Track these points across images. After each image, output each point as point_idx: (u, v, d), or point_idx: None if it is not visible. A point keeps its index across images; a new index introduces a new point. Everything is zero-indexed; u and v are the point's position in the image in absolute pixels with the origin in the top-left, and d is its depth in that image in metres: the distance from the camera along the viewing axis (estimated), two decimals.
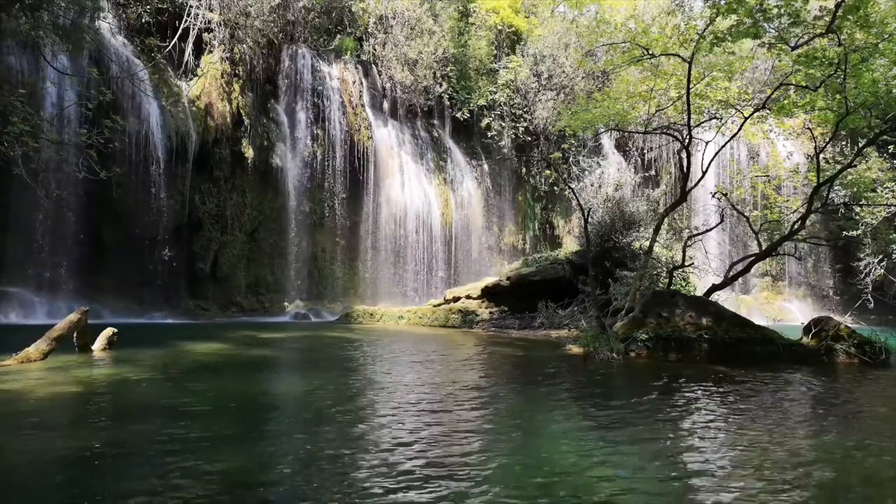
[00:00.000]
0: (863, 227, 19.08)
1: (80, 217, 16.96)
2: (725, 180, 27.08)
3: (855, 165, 14.10)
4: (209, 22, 20.12)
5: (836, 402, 6.88)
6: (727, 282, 12.66)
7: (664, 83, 13.90)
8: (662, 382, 7.74)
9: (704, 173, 13.40)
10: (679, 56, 12.50)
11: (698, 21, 13.00)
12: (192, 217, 19.44)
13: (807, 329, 10.61)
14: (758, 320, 12.91)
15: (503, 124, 26.71)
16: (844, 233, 19.69)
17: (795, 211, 17.33)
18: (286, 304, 21.08)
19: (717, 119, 14.00)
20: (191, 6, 19.66)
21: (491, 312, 17.56)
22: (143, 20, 18.89)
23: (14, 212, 15.80)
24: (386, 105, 24.97)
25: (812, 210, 12.47)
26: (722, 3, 10.54)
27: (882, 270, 20.55)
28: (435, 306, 18.81)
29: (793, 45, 10.98)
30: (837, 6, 9.96)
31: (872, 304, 20.80)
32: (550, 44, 27.06)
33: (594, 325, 11.43)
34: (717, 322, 10.31)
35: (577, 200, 14.06)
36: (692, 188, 14.42)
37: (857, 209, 18.28)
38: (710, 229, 14.78)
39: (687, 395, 6.88)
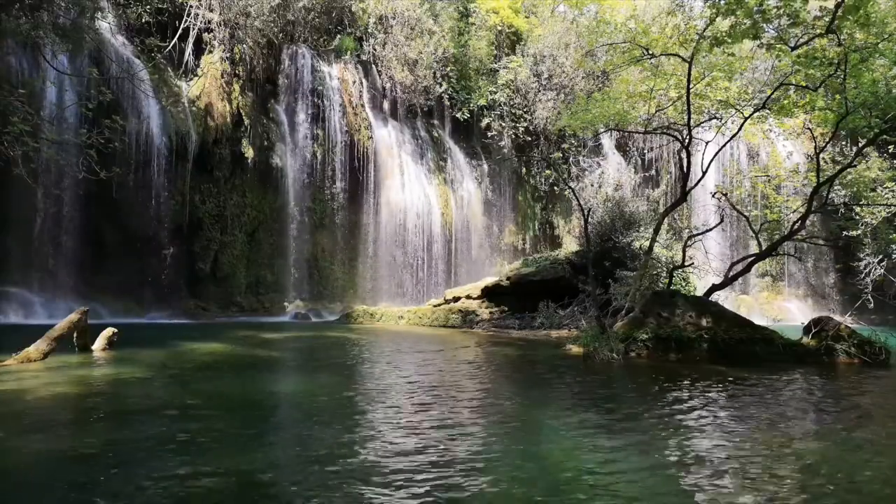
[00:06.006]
0: (863, 227, 19.07)
1: (80, 217, 16.95)
2: (725, 180, 27.07)
3: (855, 165, 14.09)
4: (209, 22, 20.12)
5: (836, 401, 6.88)
6: (727, 282, 12.66)
7: (664, 83, 13.88)
8: (662, 382, 7.74)
9: (704, 173, 13.40)
10: (679, 56, 12.50)
11: (698, 21, 12.98)
12: (192, 217, 19.43)
13: (807, 329, 10.60)
14: (758, 320, 12.92)
15: (503, 124, 26.71)
16: (844, 233, 19.68)
17: (795, 211, 17.32)
18: (286, 303, 21.08)
19: (717, 119, 13.99)
20: (191, 6, 19.66)
21: (491, 312, 17.56)
22: (143, 20, 18.88)
23: (14, 212, 15.80)
24: (386, 105, 24.96)
25: (812, 210, 12.47)
26: (722, 3, 10.54)
27: (882, 270, 20.53)
28: (435, 306, 18.81)
29: (792, 45, 10.97)
30: (837, 6, 9.95)
31: (872, 304, 20.79)
32: (550, 44, 27.06)
33: (594, 325, 11.43)
34: (717, 322, 10.30)
35: (577, 200, 14.05)
36: (692, 188, 14.42)
37: (857, 209, 18.27)
38: (710, 229, 14.79)
39: (687, 395, 6.88)
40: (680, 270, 14.68)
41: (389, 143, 24.23)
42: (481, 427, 5.12)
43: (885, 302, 20.77)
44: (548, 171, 26.82)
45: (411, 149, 25.02)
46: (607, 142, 28.98)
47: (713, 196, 17.06)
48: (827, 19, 10.22)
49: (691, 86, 12.08)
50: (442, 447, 4.42)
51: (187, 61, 20.10)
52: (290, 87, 22.42)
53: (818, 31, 10.57)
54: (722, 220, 14.93)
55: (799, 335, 10.50)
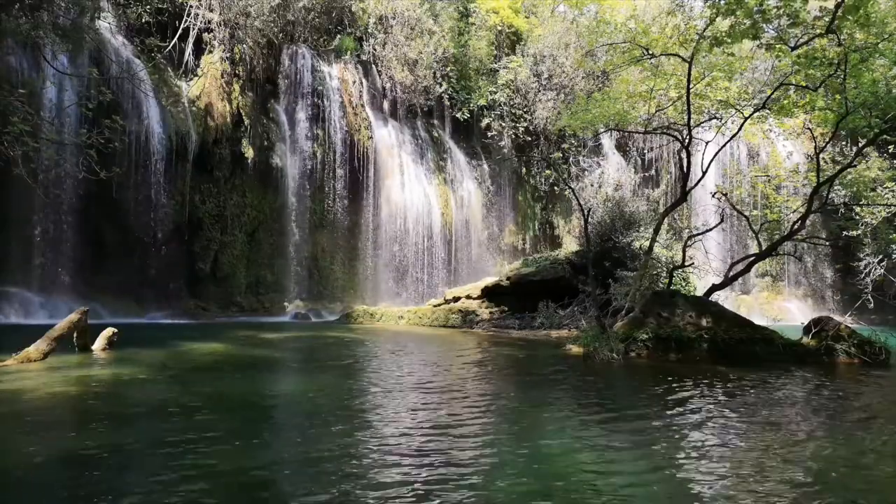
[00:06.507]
0: (863, 227, 19.08)
1: (79, 217, 16.95)
2: (725, 180, 27.07)
3: (855, 165, 14.09)
4: (209, 22, 20.11)
5: (837, 402, 6.88)
6: (727, 282, 12.66)
7: (664, 83, 13.88)
8: (662, 383, 7.74)
9: (704, 173, 13.40)
10: (679, 56, 12.50)
11: (698, 21, 12.98)
12: (192, 217, 19.42)
13: (807, 329, 10.61)
14: (758, 320, 12.92)
15: (503, 124, 26.71)
16: (844, 233, 19.69)
17: (795, 211, 17.32)
18: (286, 303, 21.08)
19: (717, 119, 13.99)
20: (191, 6, 19.66)
21: (491, 312, 17.56)
22: (143, 20, 18.88)
23: (14, 212, 15.79)
24: (386, 105, 24.96)
25: (812, 210, 12.48)
26: (722, 3, 10.53)
27: (882, 270, 20.53)
28: (435, 306, 18.81)
29: (792, 45, 10.97)
30: (837, 6, 9.95)
31: (872, 304, 20.79)
32: (550, 44, 27.06)
33: (594, 325, 11.43)
34: (717, 322, 10.31)
35: (577, 200, 14.06)
36: (692, 188, 14.42)
37: (857, 209, 18.27)
38: (710, 229, 14.79)
39: (687, 395, 6.88)
40: (680, 270, 14.68)
41: (389, 143, 24.23)
42: (482, 427, 5.11)
43: (885, 302, 20.77)
44: (548, 171, 26.81)
45: (411, 149, 25.02)
46: (607, 142, 28.97)
47: (713, 196, 17.07)
48: (827, 19, 10.22)
49: (691, 86, 12.08)
50: (442, 448, 4.42)
51: (187, 61, 20.10)
52: (290, 87, 22.41)
53: (818, 31, 10.57)
54: (722, 220, 14.93)
55: (799, 335, 10.51)
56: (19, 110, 12.05)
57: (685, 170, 13.64)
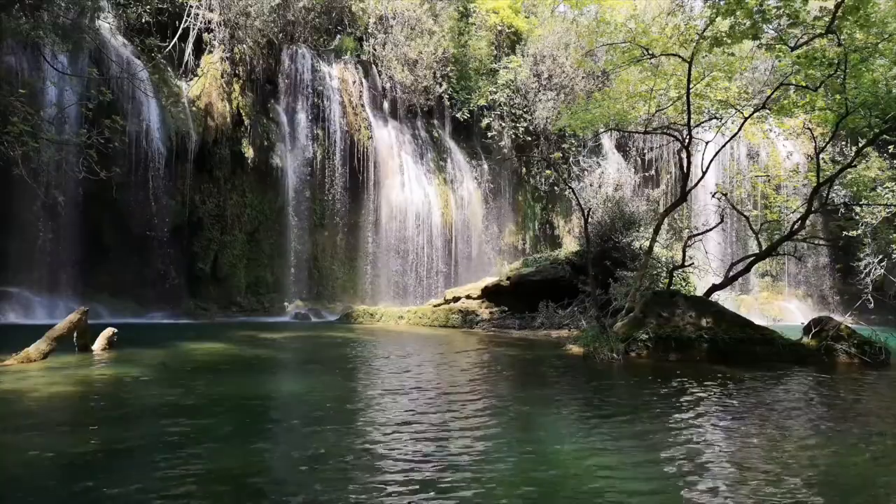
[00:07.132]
0: (863, 227, 19.08)
1: (79, 217, 16.94)
2: (725, 180, 27.05)
3: (855, 165, 14.08)
4: (209, 22, 20.11)
5: (836, 401, 6.88)
6: (727, 282, 12.66)
7: (664, 83, 13.87)
8: (662, 383, 7.74)
9: (704, 173, 13.40)
10: (679, 56, 12.49)
11: (698, 21, 12.98)
12: (192, 217, 19.42)
13: (807, 329, 10.61)
14: (758, 320, 12.92)
15: (503, 124, 26.69)
16: (844, 233, 19.68)
17: (795, 211, 17.31)
18: (286, 304, 21.07)
19: (717, 119, 13.99)
20: (191, 6, 19.65)
21: (491, 312, 17.56)
22: (143, 20, 18.87)
23: (14, 212, 15.79)
24: (386, 105, 24.96)
25: (812, 210, 12.48)
26: (722, 3, 10.53)
27: (882, 270, 20.53)
28: (435, 306, 18.80)
29: (792, 45, 10.97)
30: (837, 6, 9.95)
31: (872, 304, 20.78)
32: (550, 44, 27.03)
33: (594, 325, 11.43)
34: (717, 322, 10.31)
35: (577, 200, 14.05)
36: (692, 188, 14.42)
37: (857, 209, 18.27)
38: (710, 229, 14.79)
39: (687, 395, 6.88)
40: (680, 270, 14.68)
41: (389, 142, 24.22)
42: (484, 428, 5.11)
43: (885, 302, 20.76)
44: (548, 171, 26.79)
45: (411, 149, 25.01)
46: (607, 142, 28.95)
47: (713, 196, 17.05)
48: (827, 19, 10.22)
49: (691, 86, 12.08)
50: (444, 449, 4.42)
51: (187, 61, 20.09)
52: (290, 87, 22.40)
53: (818, 31, 10.57)
54: (722, 220, 14.93)
55: (799, 335, 10.51)
56: (19, 110, 12.04)
57: (685, 170, 13.64)
